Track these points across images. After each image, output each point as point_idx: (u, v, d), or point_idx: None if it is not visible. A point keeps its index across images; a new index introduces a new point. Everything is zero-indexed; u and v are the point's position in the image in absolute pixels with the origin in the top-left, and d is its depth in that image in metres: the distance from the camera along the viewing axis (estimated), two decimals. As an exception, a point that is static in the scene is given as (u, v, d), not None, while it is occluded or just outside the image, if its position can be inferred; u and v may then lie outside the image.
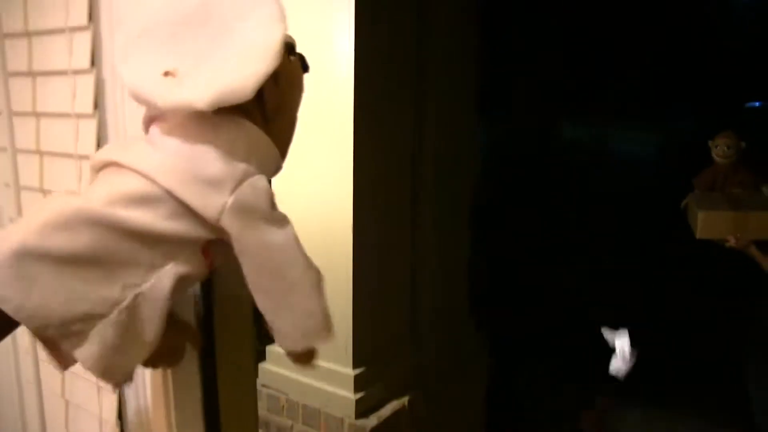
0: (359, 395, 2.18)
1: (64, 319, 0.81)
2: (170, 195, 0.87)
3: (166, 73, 0.88)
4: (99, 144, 1.33)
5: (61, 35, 1.33)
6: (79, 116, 1.34)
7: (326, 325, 0.96)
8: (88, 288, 0.83)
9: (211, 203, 0.87)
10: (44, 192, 1.43)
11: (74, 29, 1.32)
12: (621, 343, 2.61)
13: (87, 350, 0.83)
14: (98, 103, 1.32)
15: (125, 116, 1.27)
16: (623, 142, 5.52)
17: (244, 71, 0.87)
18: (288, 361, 2.26)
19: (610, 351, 3.94)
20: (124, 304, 0.85)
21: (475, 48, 2.71)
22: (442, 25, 2.42)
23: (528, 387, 3.62)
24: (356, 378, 2.18)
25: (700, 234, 2.33)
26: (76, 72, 1.32)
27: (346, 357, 2.17)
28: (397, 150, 2.32)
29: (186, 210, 0.87)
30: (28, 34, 1.40)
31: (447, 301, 2.73)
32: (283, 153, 1.00)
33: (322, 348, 2.16)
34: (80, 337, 0.82)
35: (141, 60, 0.91)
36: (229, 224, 0.87)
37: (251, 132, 0.94)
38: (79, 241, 0.83)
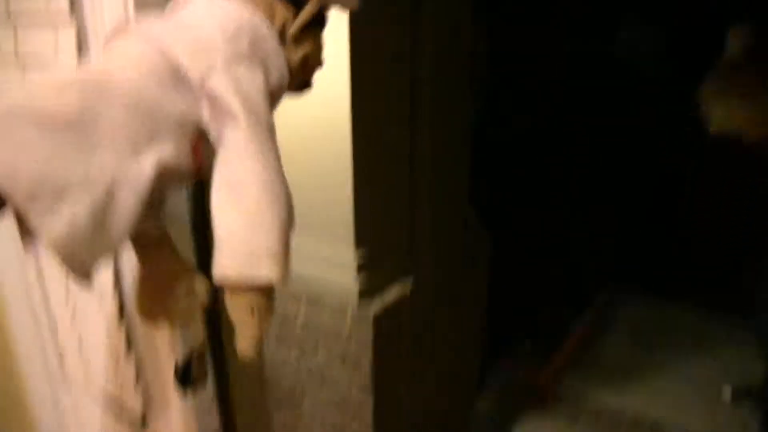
0: (361, 280, 2.14)
1: (34, 178, 0.76)
2: (164, 58, 0.87)
3: None
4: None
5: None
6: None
7: (281, 256, 0.87)
8: (68, 155, 0.79)
9: (199, 62, 0.86)
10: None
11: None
12: None
13: (55, 226, 0.77)
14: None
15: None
16: (632, 34, 5.33)
17: None
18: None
19: (613, 242, 3.96)
20: (101, 181, 0.81)
21: None
22: None
23: (531, 275, 3.42)
24: (358, 263, 2.14)
25: (716, 127, 2.21)
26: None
27: (347, 238, 2.13)
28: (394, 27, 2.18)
29: (177, 81, 0.87)
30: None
31: (448, 183, 2.56)
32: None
33: (321, 231, 2.11)
34: (50, 208, 0.76)
35: None
36: (216, 89, 0.85)
37: (262, 32, 0.95)
38: (68, 103, 0.81)
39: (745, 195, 3.35)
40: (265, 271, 0.86)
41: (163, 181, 0.87)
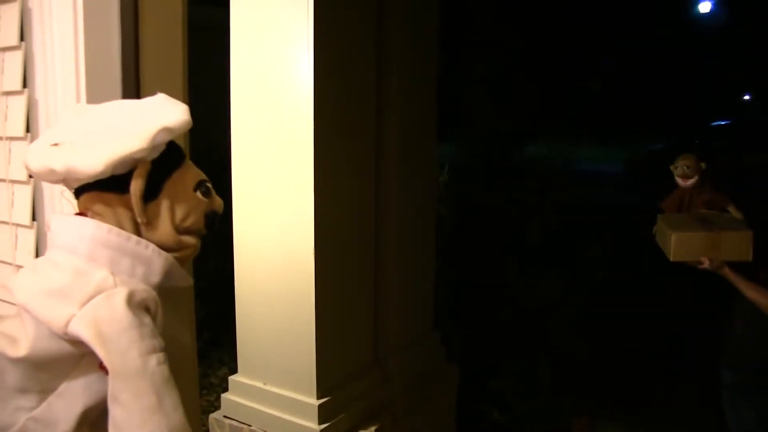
0: (324, 426, 2.11)
1: None
2: (28, 313, 0.90)
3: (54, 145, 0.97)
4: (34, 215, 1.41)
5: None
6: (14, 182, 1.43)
7: None
8: None
9: (57, 314, 0.88)
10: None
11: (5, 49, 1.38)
12: None
13: None
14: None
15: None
16: (589, 161, 5.50)
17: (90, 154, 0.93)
18: (251, 392, 2.34)
19: (584, 371, 3.85)
20: (15, 428, 0.92)
21: (436, 65, 2.66)
22: (402, 45, 2.40)
23: (497, 410, 3.23)
24: (320, 408, 2.12)
25: (674, 256, 2.26)
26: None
27: (310, 387, 2.14)
28: (359, 170, 2.30)
29: (51, 334, 0.90)
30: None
31: (412, 324, 2.58)
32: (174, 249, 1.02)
33: (285, 377, 2.23)
34: None
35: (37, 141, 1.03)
36: (82, 336, 0.87)
37: (115, 238, 0.95)
38: None
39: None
40: None
41: (91, 408, 0.93)
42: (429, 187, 2.74)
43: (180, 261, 1.03)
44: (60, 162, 0.93)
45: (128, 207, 0.97)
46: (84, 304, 0.88)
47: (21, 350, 0.89)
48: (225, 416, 2.29)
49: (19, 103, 1.38)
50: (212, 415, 2.32)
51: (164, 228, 1.00)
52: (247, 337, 2.27)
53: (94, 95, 1.31)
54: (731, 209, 2.44)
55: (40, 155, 0.96)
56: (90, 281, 0.91)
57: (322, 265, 2.08)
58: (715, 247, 2.21)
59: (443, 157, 4.11)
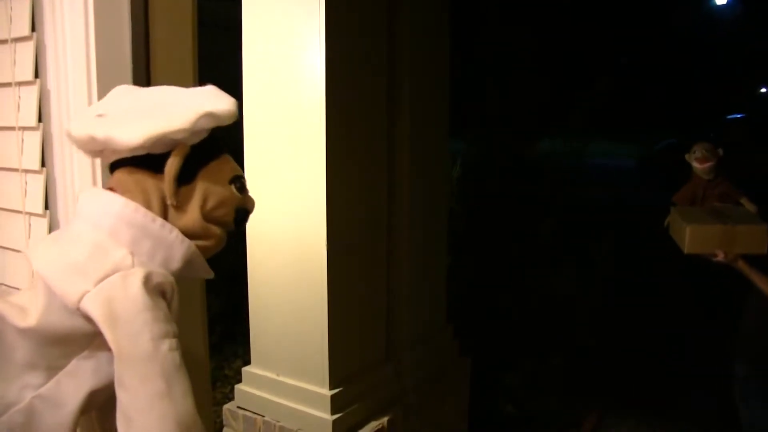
0: (337, 416, 2.11)
1: None
2: (46, 285, 0.90)
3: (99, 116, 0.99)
4: (47, 204, 1.42)
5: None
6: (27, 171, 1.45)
7: None
8: None
9: (71, 289, 0.88)
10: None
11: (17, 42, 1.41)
12: None
13: None
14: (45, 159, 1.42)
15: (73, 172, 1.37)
16: (602, 157, 5.52)
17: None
18: (264, 383, 2.34)
19: (597, 367, 3.83)
20: (20, 405, 0.90)
21: (447, 61, 2.66)
22: (414, 40, 2.40)
23: (511, 404, 3.23)
24: (333, 398, 2.12)
25: (688, 249, 2.24)
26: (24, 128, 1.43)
27: (323, 377, 2.14)
28: (371, 166, 2.30)
29: (64, 307, 0.89)
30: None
31: (425, 318, 2.58)
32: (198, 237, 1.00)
33: (298, 368, 2.25)
34: None
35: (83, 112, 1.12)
36: (92, 314, 0.86)
37: (140, 218, 0.94)
38: None
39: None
40: None
41: (94, 395, 0.93)
42: (441, 182, 2.73)
43: (202, 251, 1.01)
44: (102, 130, 0.93)
45: (159, 188, 0.96)
46: (99, 281, 0.87)
47: (30, 320, 0.89)
48: (238, 407, 2.30)
49: (31, 93, 1.39)
50: (226, 406, 2.33)
51: (192, 213, 0.99)
52: (260, 329, 2.28)
53: (106, 85, 1.32)
54: (744, 202, 2.42)
55: (84, 123, 0.97)
56: (108, 259, 0.90)
57: (334, 259, 2.08)
58: (729, 240, 2.19)
59: (455, 151, 4.11)
